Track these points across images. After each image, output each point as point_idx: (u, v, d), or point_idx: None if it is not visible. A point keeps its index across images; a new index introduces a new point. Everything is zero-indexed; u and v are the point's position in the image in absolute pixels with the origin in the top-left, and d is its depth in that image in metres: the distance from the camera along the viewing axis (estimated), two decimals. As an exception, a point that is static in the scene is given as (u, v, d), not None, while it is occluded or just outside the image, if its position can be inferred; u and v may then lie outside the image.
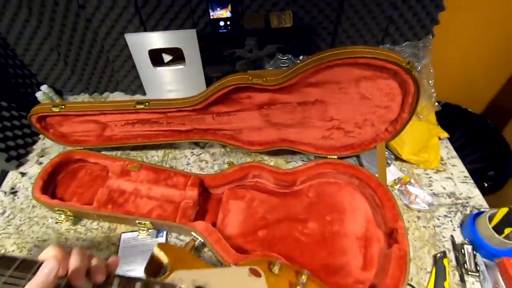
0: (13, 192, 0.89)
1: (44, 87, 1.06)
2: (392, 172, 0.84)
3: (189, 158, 0.92)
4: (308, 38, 0.90)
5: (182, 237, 0.76)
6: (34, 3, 0.85)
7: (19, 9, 0.87)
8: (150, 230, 0.75)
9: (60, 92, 1.12)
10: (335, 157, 0.81)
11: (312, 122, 0.76)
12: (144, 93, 1.09)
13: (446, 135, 0.89)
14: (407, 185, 0.80)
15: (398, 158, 0.85)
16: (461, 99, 1.26)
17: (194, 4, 0.86)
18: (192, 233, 0.71)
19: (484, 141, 1.26)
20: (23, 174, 0.93)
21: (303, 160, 0.87)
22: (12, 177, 0.93)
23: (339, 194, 0.78)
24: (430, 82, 0.84)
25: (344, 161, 0.79)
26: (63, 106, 0.82)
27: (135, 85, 1.07)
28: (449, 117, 1.30)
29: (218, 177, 0.81)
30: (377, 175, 0.76)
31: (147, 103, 0.76)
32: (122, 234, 0.76)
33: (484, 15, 1.05)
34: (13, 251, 0.76)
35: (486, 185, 1.13)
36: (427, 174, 0.85)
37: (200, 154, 0.93)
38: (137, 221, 0.72)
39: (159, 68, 0.99)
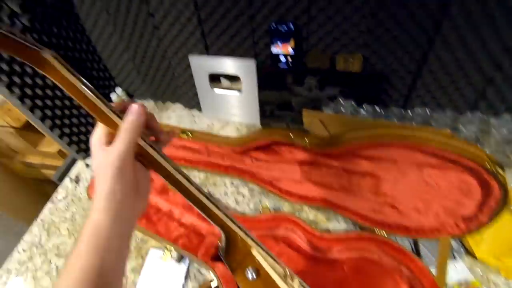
0: (77, 180, 1.01)
1: (118, 90, 1.16)
2: (458, 270, 0.66)
3: (227, 188, 0.90)
4: (377, 86, 0.78)
5: (203, 270, 0.75)
6: (118, 22, 0.92)
7: (107, 25, 0.95)
8: (174, 255, 0.76)
9: (131, 95, 1.22)
10: (384, 233, 0.69)
11: (360, 192, 0.66)
12: (200, 110, 1.11)
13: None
14: (475, 294, 0.63)
15: (470, 253, 0.68)
16: None
17: (257, 37, 0.82)
18: (210, 272, 0.70)
19: None
20: (87, 165, 1.05)
21: (346, 223, 0.77)
22: (79, 166, 1.05)
23: (381, 280, 0.66)
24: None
25: (394, 242, 0.67)
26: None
27: (194, 101, 1.10)
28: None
29: (248, 220, 0.77)
30: (434, 271, 0.62)
31: (190, 133, 0.77)
32: (151, 249, 0.79)
33: None
34: (64, 235, 0.86)
35: None
36: (509, 286, 0.65)
37: (239, 186, 0.90)
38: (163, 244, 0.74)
39: (216, 91, 0.99)
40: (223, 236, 0.40)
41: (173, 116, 1.15)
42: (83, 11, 0.94)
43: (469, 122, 0.67)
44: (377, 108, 0.77)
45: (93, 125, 1.07)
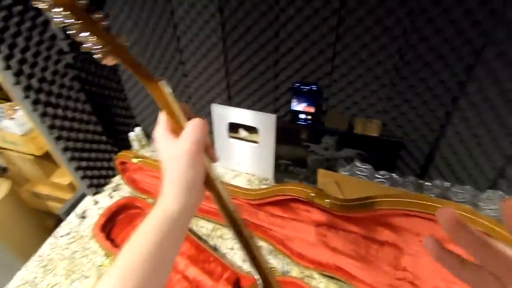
0: (83, 217, 0.99)
1: (137, 129, 1.20)
2: None
3: (235, 244, 0.86)
4: (395, 152, 0.79)
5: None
6: (150, 66, 0.99)
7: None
8: None
9: (149, 135, 1.25)
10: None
11: (378, 263, 0.62)
12: (215, 157, 1.12)
13: None
14: None
15: None
16: None
17: (279, 93, 0.87)
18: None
19: None
20: (96, 202, 1.04)
21: (361, 295, 0.71)
22: (87, 202, 1.03)
23: None
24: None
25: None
26: (140, 160, 0.90)
27: (210, 147, 1.12)
28: None
29: (255, 283, 0.73)
30: None
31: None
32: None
33: None
34: (60, 275, 0.82)
35: None
36: None
37: (246, 240, 0.87)
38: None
39: (233, 140, 1.01)
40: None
41: (187, 159, 1.17)
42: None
43: (489, 200, 0.65)
44: (394, 175, 0.77)
45: (109, 164, 1.08)
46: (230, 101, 0.96)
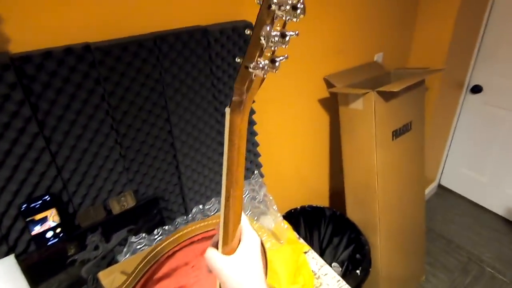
0: None
1: None
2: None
3: None
4: (158, 208, 0.89)
5: None
6: None
7: None
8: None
9: None
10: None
11: None
12: None
13: (308, 247, 0.95)
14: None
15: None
16: (309, 198, 1.49)
17: (5, 228, 0.71)
18: None
19: (340, 228, 1.45)
20: None
21: None
22: None
23: None
24: (274, 207, 0.95)
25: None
26: None
27: None
28: (310, 218, 1.47)
29: None
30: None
31: None
32: None
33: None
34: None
35: (359, 272, 1.20)
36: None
37: None
38: None
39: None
40: None
41: None
42: None
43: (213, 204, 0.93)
44: (166, 227, 0.86)
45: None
46: None
